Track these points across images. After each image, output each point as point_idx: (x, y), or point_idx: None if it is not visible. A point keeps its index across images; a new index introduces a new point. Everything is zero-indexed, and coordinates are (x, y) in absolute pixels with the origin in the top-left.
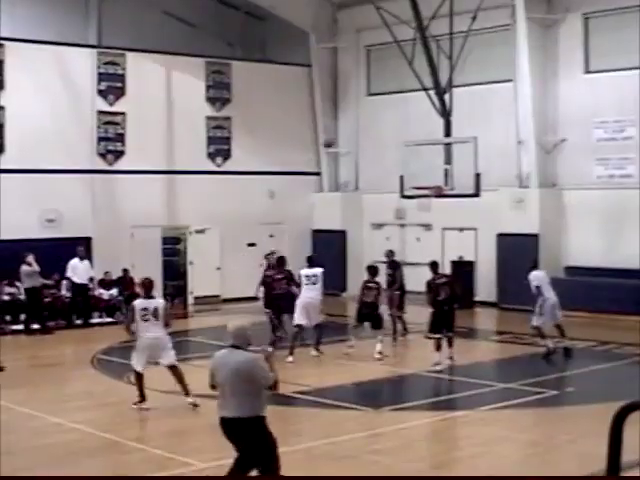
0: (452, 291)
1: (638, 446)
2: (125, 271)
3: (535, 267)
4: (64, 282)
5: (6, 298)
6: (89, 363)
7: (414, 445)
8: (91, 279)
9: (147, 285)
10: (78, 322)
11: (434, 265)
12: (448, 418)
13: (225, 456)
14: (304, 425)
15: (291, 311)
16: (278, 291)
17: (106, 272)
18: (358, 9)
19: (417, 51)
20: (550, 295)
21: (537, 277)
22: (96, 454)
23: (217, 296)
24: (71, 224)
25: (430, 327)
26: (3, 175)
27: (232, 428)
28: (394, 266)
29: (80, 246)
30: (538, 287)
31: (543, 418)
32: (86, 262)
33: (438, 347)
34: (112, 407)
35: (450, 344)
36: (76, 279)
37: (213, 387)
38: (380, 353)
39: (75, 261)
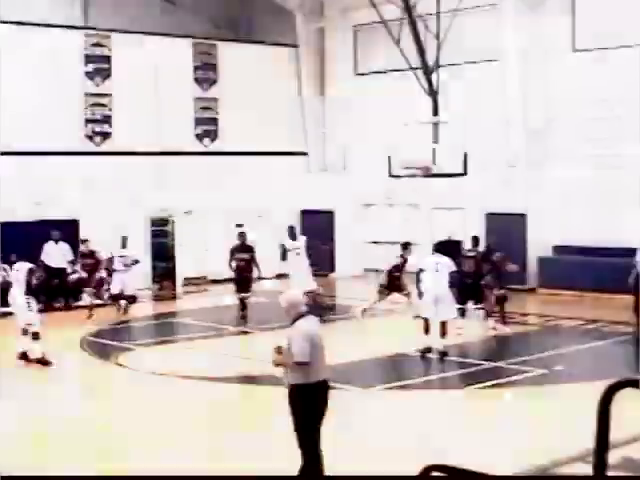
0: (477, 267)
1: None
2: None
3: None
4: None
5: None
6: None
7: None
8: (71, 262)
9: None
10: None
11: (474, 239)
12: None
13: None
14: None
15: None
16: None
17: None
18: None
19: (404, 30)
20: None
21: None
22: None
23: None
24: (59, 207)
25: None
26: None
27: (327, 390)
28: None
29: (55, 230)
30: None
31: (530, 397)
32: (62, 245)
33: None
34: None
35: (486, 315)
36: (51, 263)
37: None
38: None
39: (50, 244)
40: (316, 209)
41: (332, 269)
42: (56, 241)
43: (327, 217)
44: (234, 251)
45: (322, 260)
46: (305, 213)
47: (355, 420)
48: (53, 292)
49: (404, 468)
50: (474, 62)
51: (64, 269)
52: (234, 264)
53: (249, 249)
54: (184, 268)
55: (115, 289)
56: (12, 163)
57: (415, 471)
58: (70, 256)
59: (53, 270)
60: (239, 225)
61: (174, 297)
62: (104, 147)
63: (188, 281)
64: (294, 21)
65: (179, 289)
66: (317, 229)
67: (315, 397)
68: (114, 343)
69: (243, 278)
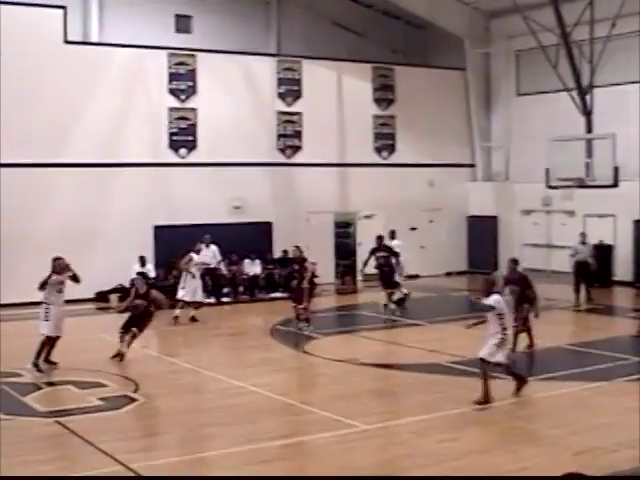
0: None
1: None
2: (284, 252)
3: None
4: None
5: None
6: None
7: (556, 412)
8: (219, 262)
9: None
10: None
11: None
12: (588, 388)
13: (385, 419)
14: (456, 392)
15: None
16: None
17: (284, 251)
18: (508, 18)
19: (561, 55)
20: None
21: None
22: (272, 414)
23: None
24: (254, 210)
25: None
26: (196, 168)
27: None
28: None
29: (206, 234)
30: None
31: None
32: (212, 247)
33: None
34: (288, 373)
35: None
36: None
37: None
38: None
39: (201, 247)
40: (482, 214)
41: (496, 268)
42: (207, 245)
43: (492, 221)
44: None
45: (486, 261)
46: (471, 218)
47: (508, 407)
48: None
49: None
50: (625, 83)
51: (213, 268)
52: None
53: (388, 249)
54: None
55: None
56: (213, 172)
57: None
58: (219, 257)
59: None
60: (413, 229)
61: (354, 291)
62: (295, 159)
63: (367, 276)
64: (463, 47)
65: (359, 284)
66: (482, 232)
67: None
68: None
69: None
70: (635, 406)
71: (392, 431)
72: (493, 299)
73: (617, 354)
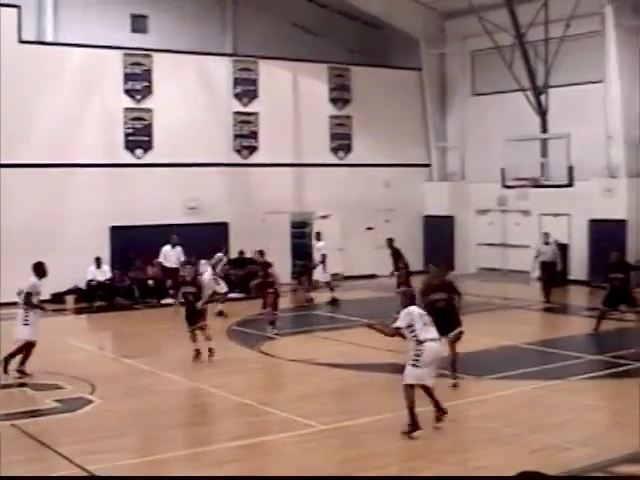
0: None
1: None
2: (241, 252)
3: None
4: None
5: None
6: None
7: (512, 411)
8: (182, 264)
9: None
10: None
11: None
12: (542, 387)
13: (343, 419)
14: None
15: None
16: None
17: (240, 251)
18: (463, 18)
19: (516, 55)
20: None
21: None
22: (230, 415)
23: (338, 274)
24: (211, 211)
25: None
26: (152, 169)
27: None
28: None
29: (174, 234)
30: None
31: (629, 388)
32: (178, 248)
33: None
34: (246, 374)
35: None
36: (167, 264)
37: None
38: None
39: (167, 248)
40: (437, 214)
41: (452, 268)
42: (173, 245)
43: (447, 221)
44: None
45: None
46: (427, 218)
47: (464, 405)
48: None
49: None
50: (579, 84)
51: (177, 269)
52: None
53: None
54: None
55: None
56: (169, 173)
57: None
58: (182, 258)
59: (168, 270)
60: (369, 228)
61: (310, 291)
62: (251, 159)
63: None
64: (419, 48)
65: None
66: (438, 232)
67: None
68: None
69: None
70: (589, 404)
71: (350, 431)
72: (404, 313)
73: (572, 352)
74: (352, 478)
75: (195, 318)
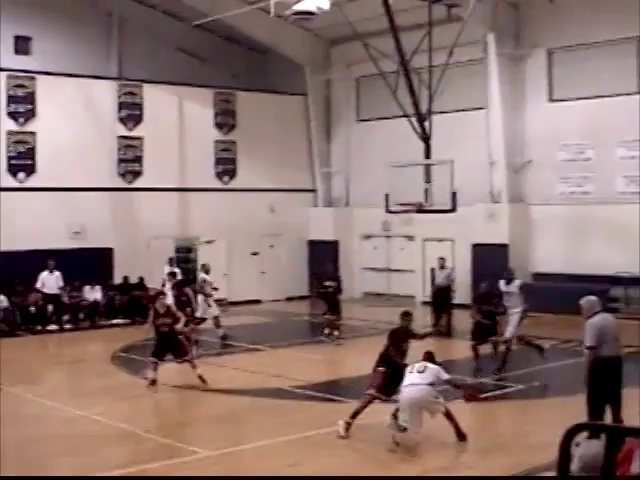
0: None
1: None
2: (125, 278)
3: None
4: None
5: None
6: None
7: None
8: (62, 288)
9: None
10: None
11: None
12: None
13: (228, 445)
14: (299, 416)
15: None
16: None
17: (124, 277)
18: (348, 45)
19: (400, 82)
20: None
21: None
22: (113, 443)
23: (224, 299)
24: (95, 236)
25: None
26: (35, 193)
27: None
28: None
29: (51, 260)
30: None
31: (510, 410)
32: (56, 273)
33: None
34: (129, 400)
35: None
36: (46, 290)
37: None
38: None
39: (45, 274)
40: (322, 239)
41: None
42: (50, 271)
43: (332, 246)
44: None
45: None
46: (312, 243)
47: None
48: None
49: None
50: (463, 110)
51: (57, 295)
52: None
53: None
54: None
55: None
56: (53, 197)
57: None
58: (61, 283)
59: (48, 296)
60: (254, 253)
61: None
62: (136, 184)
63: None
64: (304, 73)
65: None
66: (322, 257)
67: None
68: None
69: None
70: (471, 426)
71: (235, 456)
72: None
73: (456, 375)
74: (352, 478)
75: (173, 349)
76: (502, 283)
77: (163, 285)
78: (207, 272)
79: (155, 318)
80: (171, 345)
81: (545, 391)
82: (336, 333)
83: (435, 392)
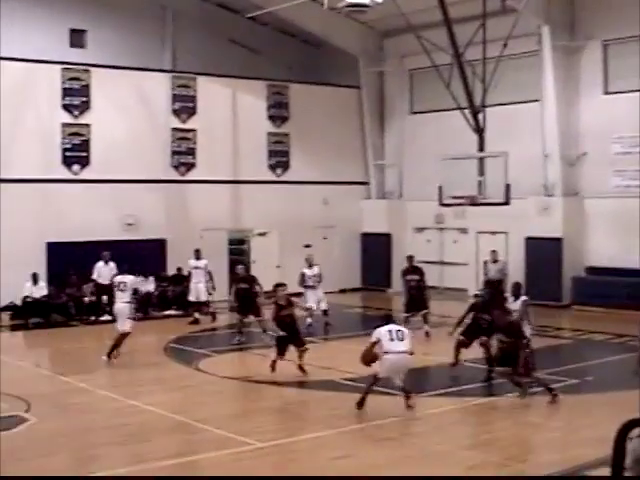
0: None
1: None
2: (178, 269)
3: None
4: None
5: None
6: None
7: (447, 429)
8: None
9: None
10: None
11: None
12: (478, 404)
13: (280, 437)
14: (349, 409)
15: None
16: None
17: (178, 268)
18: (401, 37)
19: (454, 74)
20: None
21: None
22: (166, 433)
23: None
24: (148, 228)
25: None
26: (89, 185)
27: None
28: None
29: (106, 251)
30: None
31: (564, 404)
32: (111, 264)
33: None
34: (182, 391)
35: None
36: (100, 280)
37: None
38: None
39: (100, 264)
40: (375, 232)
41: (389, 285)
42: (106, 262)
43: (385, 239)
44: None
45: (380, 277)
46: (365, 235)
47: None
48: (100, 306)
49: None
50: (516, 102)
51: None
52: None
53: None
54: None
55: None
56: (107, 189)
57: None
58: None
59: (102, 287)
60: (307, 246)
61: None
62: (189, 176)
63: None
64: (357, 66)
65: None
66: (376, 250)
67: None
68: (194, 350)
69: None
70: (525, 421)
71: (286, 448)
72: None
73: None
74: (352, 478)
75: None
76: (510, 299)
77: (188, 276)
78: (310, 266)
79: (277, 311)
80: (292, 336)
81: (598, 386)
82: (426, 327)
83: None
